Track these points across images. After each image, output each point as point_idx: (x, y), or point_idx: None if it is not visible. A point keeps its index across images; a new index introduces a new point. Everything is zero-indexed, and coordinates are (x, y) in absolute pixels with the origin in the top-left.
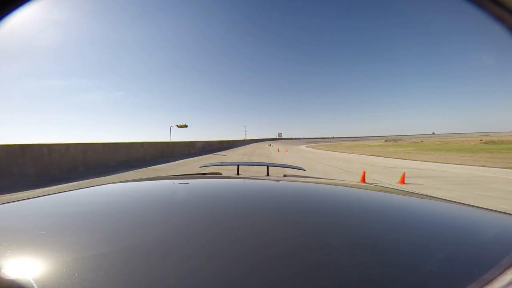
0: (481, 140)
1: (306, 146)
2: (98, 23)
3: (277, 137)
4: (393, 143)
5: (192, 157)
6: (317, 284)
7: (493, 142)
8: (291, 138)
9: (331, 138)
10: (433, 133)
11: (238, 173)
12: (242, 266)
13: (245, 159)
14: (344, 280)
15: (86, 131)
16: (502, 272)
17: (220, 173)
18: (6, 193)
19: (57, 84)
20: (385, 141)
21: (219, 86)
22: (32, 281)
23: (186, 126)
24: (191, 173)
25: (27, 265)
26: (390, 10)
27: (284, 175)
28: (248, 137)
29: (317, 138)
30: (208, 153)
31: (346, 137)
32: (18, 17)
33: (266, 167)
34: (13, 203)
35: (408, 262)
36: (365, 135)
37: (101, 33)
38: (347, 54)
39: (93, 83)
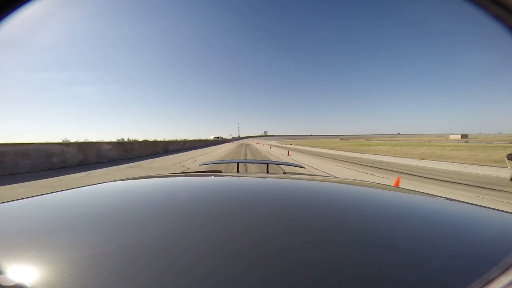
0: (365, 139)
1: (275, 142)
2: (94, 18)
3: (263, 134)
4: (335, 140)
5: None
6: (319, 282)
7: (367, 139)
8: (274, 136)
9: (309, 136)
10: (398, 133)
11: (238, 171)
12: (243, 263)
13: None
14: (345, 278)
15: (80, 122)
16: (502, 272)
17: (220, 171)
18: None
19: (50, 76)
20: (340, 139)
21: (214, 85)
22: (30, 281)
23: (239, 136)
24: (191, 171)
25: (25, 264)
26: (386, 8)
27: (284, 173)
28: (241, 134)
29: (295, 135)
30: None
31: (321, 135)
32: (19, 12)
33: (266, 164)
34: (11, 202)
35: (407, 261)
36: (338, 134)
37: (97, 28)
38: (336, 53)
39: (87, 76)
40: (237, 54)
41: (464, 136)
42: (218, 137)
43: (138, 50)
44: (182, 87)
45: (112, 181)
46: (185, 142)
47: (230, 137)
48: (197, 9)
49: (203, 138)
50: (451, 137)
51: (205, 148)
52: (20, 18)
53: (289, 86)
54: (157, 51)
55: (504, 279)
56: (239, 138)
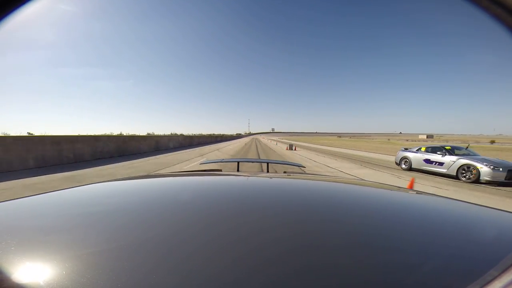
0: (349, 137)
1: (277, 138)
2: (106, 15)
3: (271, 131)
4: (330, 138)
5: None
6: (320, 283)
7: (350, 137)
8: (281, 132)
9: (314, 133)
10: (400, 132)
11: (238, 170)
12: (243, 264)
13: None
14: (346, 279)
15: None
16: (502, 272)
17: (220, 170)
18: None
19: (69, 72)
20: (338, 136)
21: (227, 80)
22: (29, 279)
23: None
24: (191, 170)
25: (24, 263)
26: (388, 8)
27: (284, 172)
28: (251, 131)
29: (301, 132)
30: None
31: (326, 132)
32: (31, 9)
33: (266, 164)
34: (12, 201)
35: (408, 261)
36: (342, 132)
37: (112, 27)
38: (346, 50)
39: (103, 72)
40: (249, 51)
41: (429, 136)
42: (239, 134)
43: (154, 49)
44: (198, 84)
45: (111, 180)
46: (227, 135)
47: (244, 134)
48: (212, 9)
49: (221, 133)
50: (419, 136)
51: (235, 140)
52: (36, 17)
53: (296, 84)
54: (164, 50)
55: (504, 279)
56: (250, 134)
